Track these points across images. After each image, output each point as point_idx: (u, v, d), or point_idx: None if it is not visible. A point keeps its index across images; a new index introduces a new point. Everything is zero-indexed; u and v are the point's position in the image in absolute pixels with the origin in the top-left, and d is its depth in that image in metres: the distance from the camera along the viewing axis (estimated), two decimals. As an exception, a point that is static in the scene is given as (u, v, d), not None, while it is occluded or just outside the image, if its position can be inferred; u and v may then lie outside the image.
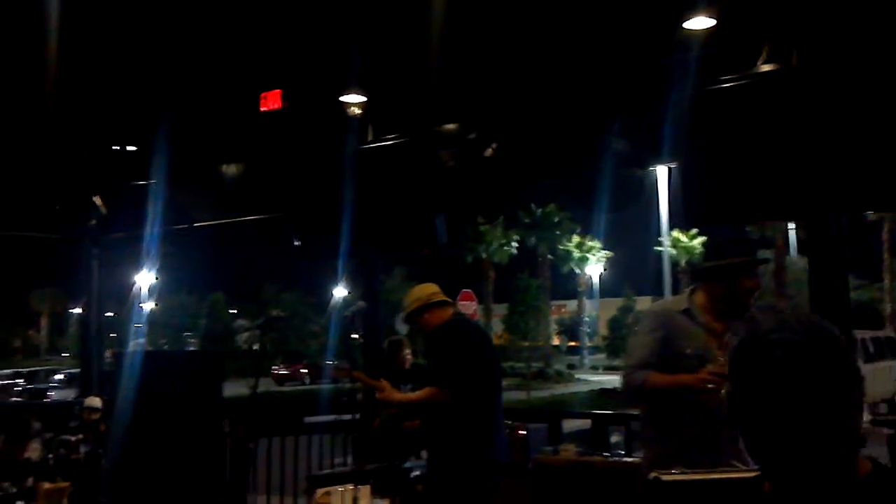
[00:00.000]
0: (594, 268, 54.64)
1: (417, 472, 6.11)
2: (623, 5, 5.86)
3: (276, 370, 49.31)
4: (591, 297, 57.34)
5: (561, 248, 52.09)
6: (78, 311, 67.87)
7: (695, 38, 5.74)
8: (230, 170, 8.87)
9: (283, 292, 63.92)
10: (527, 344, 46.01)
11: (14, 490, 6.66)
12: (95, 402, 9.03)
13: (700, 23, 5.68)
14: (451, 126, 7.54)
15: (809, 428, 1.46)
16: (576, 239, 52.22)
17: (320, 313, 60.90)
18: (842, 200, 5.51)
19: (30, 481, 6.86)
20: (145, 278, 43.81)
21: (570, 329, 63.96)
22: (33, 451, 7.34)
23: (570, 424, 8.08)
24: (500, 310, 50.88)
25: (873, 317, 41.88)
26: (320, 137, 8.09)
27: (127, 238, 10.31)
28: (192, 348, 57.86)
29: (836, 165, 5.35)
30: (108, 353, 12.83)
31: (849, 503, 1.51)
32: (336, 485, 5.24)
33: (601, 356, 59.84)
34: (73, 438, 8.23)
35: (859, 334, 21.14)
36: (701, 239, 44.95)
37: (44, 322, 77.45)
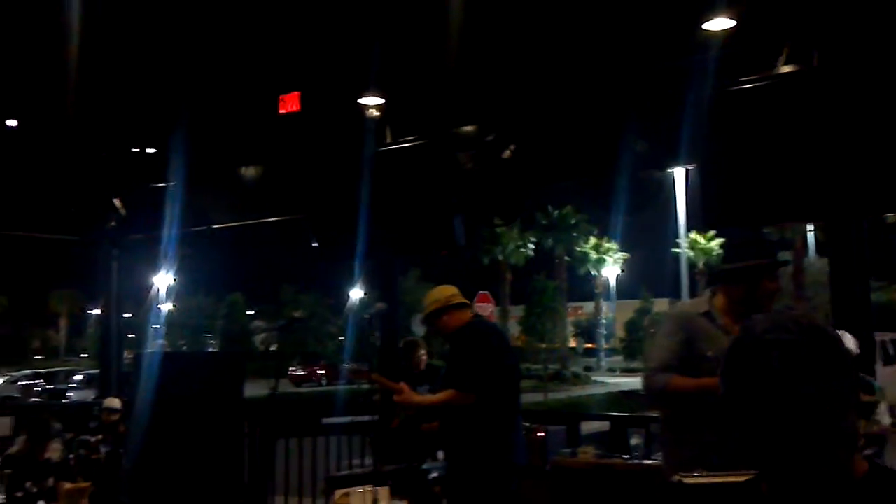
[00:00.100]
0: (611, 269, 54.47)
1: (435, 474, 6.11)
2: (643, 6, 5.85)
3: (292, 371, 49.42)
4: (607, 298, 57.17)
5: (578, 249, 51.97)
6: (96, 312, 68.37)
7: (714, 38, 5.72)
8: (249, 172, 8.90)
9: (300, 294, 64.08)
10: (543, 346, 45.92)
11: (35, 490, 6.70)
12: (115, 402, 9.08)
13: (720, 24, 5.66)
14: (469, 128, 7.54)
15: (807, 428, 1.46)
16: (593, 240, 52.09)
17: (337, 314, 61.04)
18: (863, 202, 5.47)
19: (50, 481, 6.90)
20: (163, 280, 44.01)
21: (587, 331, 63.79)
22: (54, 451, 7.38)
23: (587, 427, 8.05)
24: (517, 311, 50.80)
25: (893, 318, 41.58)
26: (338, 139, 8.11)
27: (146, 240, 10.37)
28: (211, 349, 58.12)
29: (857, 167, 5.31)
30: (127, 355, 12.89)
31: (846, 503, 1.50)
32: (354, 486, 5.25)
33: (618, 358, 59.64)
34: (92, 439, 8.28)
35: (879, 336, 21.00)
36: (719, 241, 44.76)
37: (63, 323, 77.93)
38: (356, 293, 51.85)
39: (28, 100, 8.23)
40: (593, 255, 52.48)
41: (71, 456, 7.87)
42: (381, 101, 7.58)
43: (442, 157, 7.52)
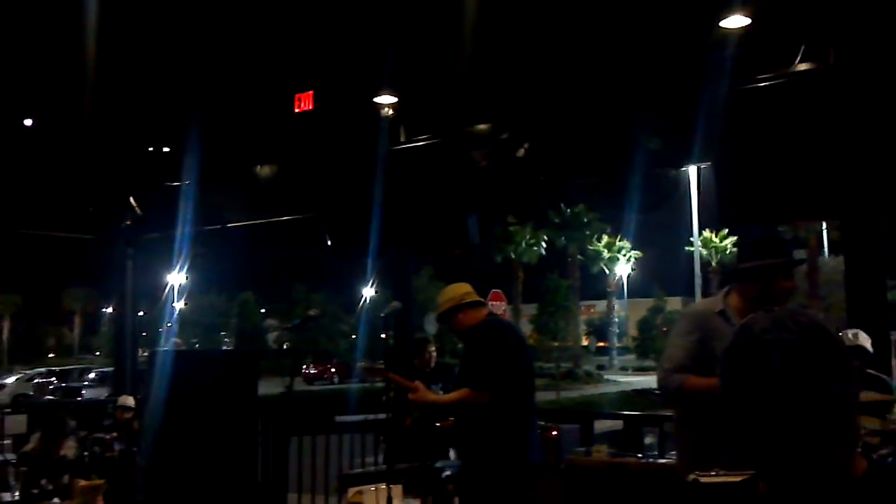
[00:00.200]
0: (623, 268, 54.38)
1: (449, 472, 6.11)
2: (659, 4, 5.83)
3: (305, 369, 49.57)
4: (620, 297, 57.08)
5: (590, 248, 51.89)
6: (110, 310, 68.71)
7: (731, 36, 5.69)
8: (263, 170, 8.93)
9: (312, 292, 64.23)
10: (556, 344, 45.86)
11: (50, 487, 6.74)
12: (129, 400, 9.12)
13: (736, 21, 5.63)
14: (482, 126, 7.54)
15: (808, 428, 1.45)
16: (605, 239, 52.01)
17: (349, 313, 61.15)
18: (879, 200, 5.44)
19: (66, 478, 6.94)
20: (176, 278, 44.20)
21: (600, 329, 63.70)
22: (69, 448, 7.42)
23: (600, 425, 8.03)
24: (529, 310, 50.77)
25: (909, 318, 41.31)
26: (352, 138, 8.12)
27: (159, 238, 10.42)
28: (226, 348, 58.30)
29: (873, 165, 5.28)
30: (142, 352, 12.95)
31: (846, 503, 1.50)
32: (367, 484, 5.25)
33: (630, 357, 59.55)
34: (107, 436, 8.33)
35: (895, 335, 20.87)
36: (732, 239, 44.63)
37: (77, 321, 78.31)
38: (368, 292, 52.02)
39: (44, 99, 8.28)
40: (606, 254, 52.40)
41: (85, 453, 7.92)
42: (395, 99, 7.58)
43: (456, 156, 7.52)
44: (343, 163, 8.28)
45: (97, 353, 70.82)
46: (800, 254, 30.35)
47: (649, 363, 47.52)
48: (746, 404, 1.50)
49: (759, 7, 5.55)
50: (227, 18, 6.72)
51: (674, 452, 5.83)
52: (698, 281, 36.62)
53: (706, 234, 45.35)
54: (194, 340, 63.09)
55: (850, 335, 4.11)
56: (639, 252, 54.42)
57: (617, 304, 56.29)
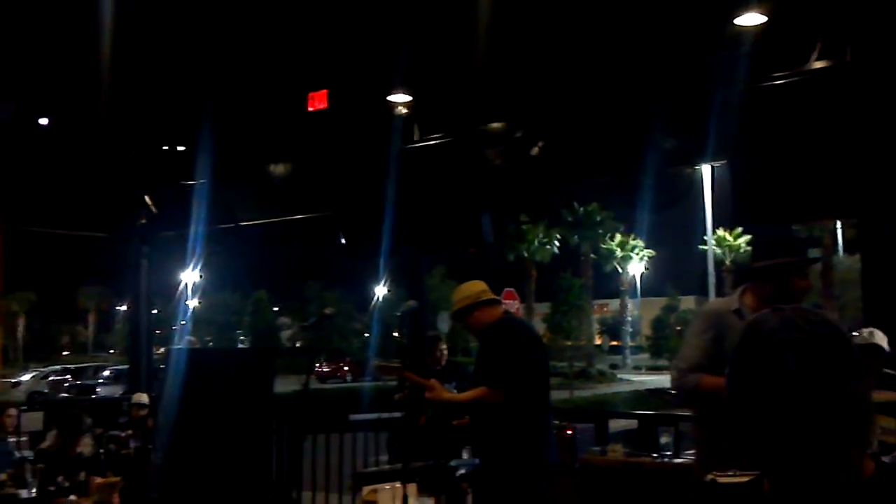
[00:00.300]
0: (636, 267, 54.28)
1: (463, 471, 6.11)
2: (673, 1, 5.81)
3: (318, 367, 49.70)
4: (633, 296, 56.99)
5: (603, 246, 51.83)
6: (124, 308, 69.04)
7: (746, 34, 5.67)
8: (277, 169, 8.95)
9: (325, 290, 64.40)
10: (569, 343, 45.84)
11: (67, 484, 6.78)
12: (143, 398, 9.17)
13: (751, 19, 5.61)
14: (497, 125, 7.53)
15: (820, 430, 1.43)
16: (618, 238, 51.94)
17: (362, 311, 61.28)
18: (896, 199, 5.41)
19: (82, 475, 6.98)
20: (191, 276, 44.34)
21: (612, 328, 63.61)
22: (85, 446, 7.46)
23: (614, 424, 8.02)
24: (542, 309, 50.74)
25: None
26: (366, 137, 8.13)
27: (173, 236, 10.46)
28: (242, 346, 58.51)
29: (891, 164, 5.25)
30: (158, 350, 13.00)
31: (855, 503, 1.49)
32: (382, 482, 5.25)
33: (643, 356, 59.44)
34: (122, 434, 8.37)
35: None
36: (746, 238, 44.48)
37: (91, 319, 78.74)
38: (381, 290, 52.09)
39: (60, 99, 8.32)
40: (619, 253, 52.31)
41: (101, 451, 7.96)
42: (408, 98, 7.58)
43: (470, 155, 7.51)
44: (357, 161, 8.29)
45: (111, 351, 71.18)
46: (814, 252, 30.23)
47: (663, 362, 47.42)
48: (756, 404, 1.49)
49: (775, 4, 5.52)
50: (240, 17, 6.73)
51: (690, 452, 5.82)
52: (712, 280, 36.51)
53: (720, 232, 45.21)
54: (208, 339, 63.35)
55: (865, 334, 4.09)
56: (652, 251, 54.34)
57: (630, 303, 56.21)
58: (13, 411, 8.27)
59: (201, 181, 9.33)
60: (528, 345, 4.99)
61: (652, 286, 60.97)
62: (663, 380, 40.27)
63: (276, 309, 71.30)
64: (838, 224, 38.67)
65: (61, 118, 8.67)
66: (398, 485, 5.13)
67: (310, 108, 7.68)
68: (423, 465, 5.87)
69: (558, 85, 7.03)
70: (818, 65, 5.59)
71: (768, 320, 1.52)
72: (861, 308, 6.71)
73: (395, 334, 55.32)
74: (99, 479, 7.16)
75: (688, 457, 6.02)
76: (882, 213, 5.84)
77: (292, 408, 8.17)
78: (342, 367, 51.33)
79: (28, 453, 7.63)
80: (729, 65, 5.84)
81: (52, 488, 6.69)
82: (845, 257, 42.67)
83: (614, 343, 62.40)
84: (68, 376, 39.84)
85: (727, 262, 46.29)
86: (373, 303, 55.38)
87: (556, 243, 49.55)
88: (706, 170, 27.45)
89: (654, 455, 6.23)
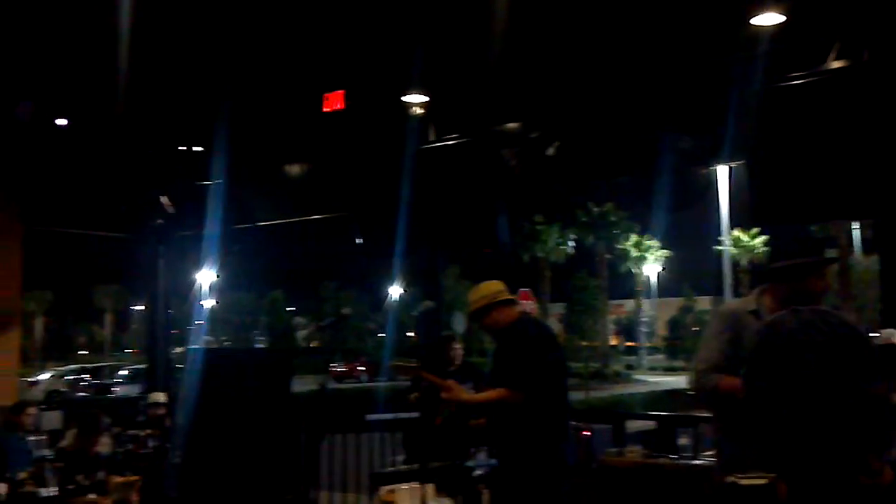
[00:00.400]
0: (652, 267, 54.10)
1: (480, 472, 6.10)
2: (691, 1, 5.80)
3: (333, 367, 49.80)
4: (648, 296, 56.79)
5: (619, 247, 51.69)
6: (140, 308, 69.38)
7: (763, 34, 5.65)
8: (294, 169, 8.98)
9: (340, 290, 64.52)
10: (585, 344, 45.76)
11: (86, 483, 6.81)
12: (160, 397, 9.21)
13: (769, 19, 5.59)
14: (512, 125, 7.53)
15: (840, 432, 1.43)
16: (634, 238, 51.78)
17: (376, 311, 61.36)
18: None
19: (101, 475, 7.01)
20: (206, 276, 44.49)
21: (628, 329, 63.43)
22: (104, 445, 7.50)
23: (631, 425, 7.99)
24: (556, 309, 50.65)
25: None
26: (382, 137, 8.14)
27: (191, 237, 10.51)
28: (260, 346, 58.68)
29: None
30: (176, 350, 13.06)
31: None
32: (399, 483, 5.26)
33: (659, 357, 59.22)
34: (141, 433, 8.41)
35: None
36: (762, 238, 44.27)
37: (108, 318, 79.15)
38: (395, 290, 52.15)
39: (77, 99, 8.38)
40: (634, 253, 52.16)
41: (119, 450, 8.00)
42: (424, 98, 7.59)
43: (486, 155, 7.52)
44: (373, 162, 8.31)
45: (128, 351, 71.54)
46: (831, 253, 30.01)
47: (679, 363, 47.24)
48: (776, 406, 1.48)
49: (792, 4, 5.50)
50: (257, 19, 6.75)
51: (709, 453, 5.80)
52: (728, 280, 36.30)
53: (736, 232, 45.00)
54: (224, 338, 63.58)
55: (885, 335, 4.07)
56: (667, 251, 54.13)
57: (646, 304, 56.02)
58: (33, 410, 8.32)
59: (218, 181, 9.37)
60: (546, 345, 4.98)
61: (668, 286, 60.76)
62: (679, 380, 40.10)
63: (291, 309, 71.47)
64: (855, 224, 38.44)
65: (79, 119, 8.73)
66: (416, 485, 5.14)
67: (326, 109, 7.70)
68: (441, 465, 5.88)
69: (574, 85, 7.02)
70: (836, 65, 5.57)
71: (786, 322, 1.52)
72: (879, 309, 6.66)
73: (411, 334, 55.44)
74: (118, 478, 7.19)
75: (707, 458, 6.00)
76: (901, 214, 5.82)
77: (309, 407, 8.18)
78: (357, 366, 51.42)
79: (47, 452, 7.66)
80: (746, 65, 5.82)
81: (71, 487, 6.72)
82: (862, 257, 42.37)
83: (630, 343, 62.20)
84: (86, 375, 40.01)
85: (743, 263, 46.04)
86: (387, 303, 55.49)
87: (571, 244, 49.46)
88: (722, 170, 27.35)
89: (673, 456, 6.21)
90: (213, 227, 9.55)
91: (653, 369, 53.85)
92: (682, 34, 6.12)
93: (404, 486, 5.17)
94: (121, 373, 40.30)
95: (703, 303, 55.98)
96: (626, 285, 56.04)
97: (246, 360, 8.09)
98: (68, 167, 9.39)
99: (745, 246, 45.76)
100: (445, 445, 6.38)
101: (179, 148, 9.40)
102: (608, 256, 51.72)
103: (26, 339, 65.35)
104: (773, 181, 5.74)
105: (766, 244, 43.38)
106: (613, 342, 60.24)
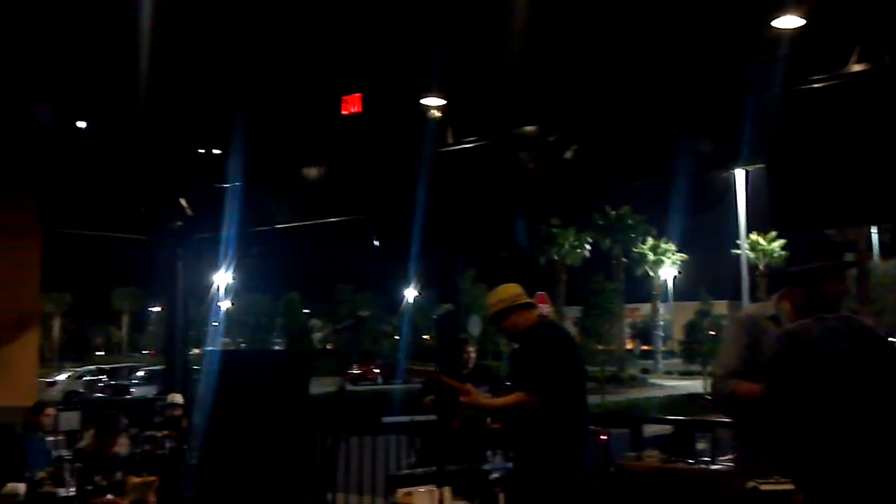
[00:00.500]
0: (668, 271, 53.89)
1: (496, 475, 6.09)
2: (710, 4, 5.77)
3: (349, 369, 49.80)
4: (664, 300, 56.55)
5: (635, 250, 51.52)
6: (157, 309, 69.65)
7: (784, 37, 5.62)
8: (311, 172, 9.00)
9: (355, 293, 64.58)
10: (601, 347, 45.59)
11: (104, 483, 6.85)
12: (178, 398, 9.25)
13: (789, 22, 5.55)
14: (530, 128, 7.52)
15: (868, 443, 1.40)
16: (650, 241, 51.61)
17: (391, 314, 61.36)
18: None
19: (119, 475, 7.05)
20: (223, 278, 44.65)
21: (644, 333, 63.17)
22: (122, 445, 7.54)
23: (647, 429, 7.96)
24: (571, 312, 50.51)
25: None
26: (400, 140, 8.15)
27: (209, 239, 10.55)
28: (278, 348, 58.80)
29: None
30: (195, 351, 13.10)
31: None
32: (415, 485, 5.26)
33: (675, 361, 58.94)
34: (158, 434, 8.45)
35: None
36: (780, 242, 44.04)
37: (125, 320, 79.54)
38: (411, 293, 52.15)
39: (97, 102, 8.43)
40: (651, 256, 51.98)
41: (137, 451, 8.04)
42: (442, 101, 7.59)
43: (503, 158, 7.52)
44: (390, 164, 8.32)
45: (145, 352, 71.86)
46: (850, 257, 29.83)
47: (695, 367, 46.99)
48: (796, 415, 1.46)
49: (813, 7, 5.47)
50: (275, 22, 6.78)
51: (726, 458, 5.77)
52: (745, 284, 36.11)
53: (753, 236, 44.79)
54: (240, 340, 63.75)
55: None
56: (684, 255, 53.93)
57: (662, 307, 55.79)
58: (52, 410, 8.37)
59: (236, 184, 9.41)
60: (565, 349, 4.96)
61: (684, 290, 60.49)
62: (696, 384, 39.90)
63: (306, 311, 71.58)
64: (874, 228, 38.16)
65: (99, 121, 8.78)
66: (432, 488, 5.13)
67: (344, 112, 7.72)
68: (457, 468, 5.87)
69: (592, 88, 7.01)
70: (856, 68, 5.53)
71: (811, 330, 1.50)
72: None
73: (426, 337, 55.38)
74: (136, 479, 7.23)
75: (725, 463, 5.98)
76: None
77: (327, 410, 8.20)
78: (372, 369, 51.43)
79: (65, 452, 7.71)
80: (766, 68, 5.79)
81: (89, 487, 6.76)
82: (881, 261, 42.07)
83: (646, 347, 61.94)
84: (103, 376, 40.23)
85: (761, 267, 45.83)
86: (402, 305, 55.49)
87: (588, 247, 49.36)
88: (739, 173, 27.23)
89: (691, 461, 6.18)
90: (230, 229, 9.59)
91: (668, 373, 53.59)
92: (701, 37, 6.09)
93: (421, 488, 5.16)
94: (138, 374, 40.50)
95: (720, 307, 55.67)
96: (642, 289, 55.85)
97: (265, 361, 8.10)
98: (88, 169, 9.45)
99: (762, 250, 45.56)
100: (462, 449, 6.37)
101: (198, 151, 9.44)
102: (625, 260, 51.57)
103: (44, 339, 65.80)
104: (792, 185, 5.71)
105: (783, 248, 43.21)
106: (629, 346, 60.02)
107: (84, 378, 39.99)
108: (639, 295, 58.41)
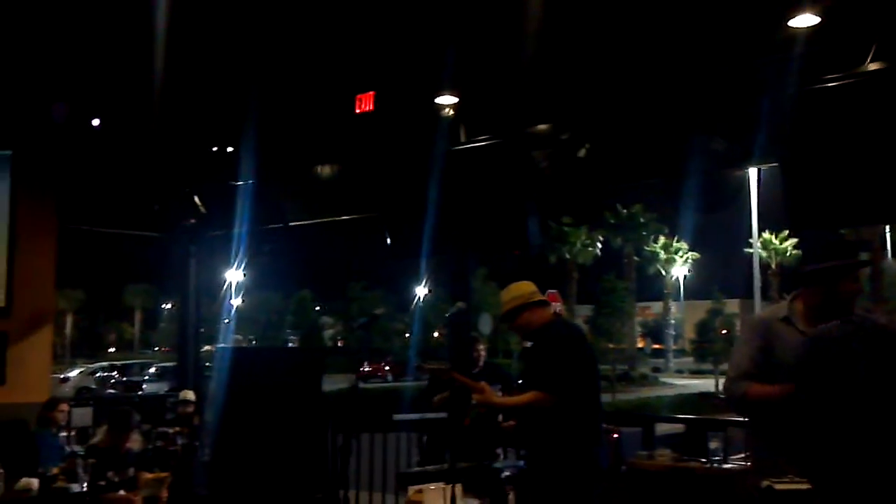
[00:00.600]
0: (680, 269, 53.76)
1: (507, 473, 6.09)
2: (725, 2, 5.75)
3: (360, 367, 49.84)
4: (676, 299, 56.41)
5: (647, 249, 51.41)
6: (168, 306, 69.93)
7: (799, 35, 5.59)
8: (324, 170, 9.02)
9: (366, 291, 64.69)
10: (611, 346, 45.51)
11: (117, 479, 6.89)
12: (190, 395, 9.30)
13: (805, 20, 5.53)
14: (543, 126, 7.51)
15: (890, 440, 1.40)
16: (662, 240, 51.49)
17: (402, 312, 61.45)
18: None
19: (131, 471, 7.09)
20: (234, 275, 44.79)
21: (655, 331, 63.03)
22: (134, 442, 7.58)
23: (659, 428, 7.94)
24: (582, 311, 50.44)
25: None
26: (413, 138, 8.16)
27: (222, 236, 10.59)
28: (291, 345, 58.96)
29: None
30: (207, 349, 13.15)
31: None
32: (426, 483, 5.26)
33: (686, 360, 58.79)
34: (170, 431, 8.49)
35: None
36: (792, 241, 43.87)
37: (137, 317, 79.84)
38: (422, 291, 52.22)
39: (111, 100, 8.47)
40: (662, 255, 51.86)
41: (149, 447, 8.08)
42: (455, 100, 7.59)
43: (516, 157, 7.51)
44: (403, 163, 8.32)
45: (156, 349, 72.12)
46: (863, 256, 29.70)
47: (707, 366, 46.88)
48: (821, 419, 1.46)
49: (829, 5, 5.44)
50: (289, 20, 6.79)
51: (738, 457, 5.76)
52: (757, 283, 36.01)
53: (766, 235, 44.65)
54: (251, 337, 63.93)
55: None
56: (696, 253, 53.78)
57: (673, 306, 55.66)
58: (65, 406, 8.41)
59: (249, 182, 9.43)
60: (578, 348, 4.95)
61: (696, 289, 60.29)
62: (707, 383, 39.80)
63: (317, 308, 71.72)
64: (887, 227, 38.00)
65: (113, 119, 8.82)
66: (443, 485, 5.13)
67: (357, 110, 7.73)
68: (468, 466, 5.87)
69: (606, 87, 6.99)
70: (872, 67, 5.50)
71: (838, 328, 1.50)
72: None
73: (436, 334, 55.38)
74: (148, 475, 7.27)
75: (737, 462, 5.96)
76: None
77: (339, 407, 8.20)
78: (383, 366, 51.50)
79: (78, 448, 7.75)
80: (780, 67, 5.76)
81: (102, 483, 6.80)
82: (894, 261, 41.89)
83: (657, 346, 61.80)
84: (115, 373, 40.40)
85: (773, 266, 45.67)
86: (413, 303, 55.57)
87: (599, 245, 49.28)
88: (752, 172, 27.13)
89: (703, 460, 6.17)
90: (242, 226, 9.61)
91: (679, 372, 53.48)
92: (715, 36, 6.07)
93: (432, 486, 5.17)
94: (149, 370, 40.67)
95: (732, 305, 55.49)
96: (653, 287, 55.75)
97: (278, 358, 8.12)
98: (102, 167, 9.49)
99: (774, 249, 45.41)
100: (473, 446, 6.37)
101: (212, 149, 9.47)
102: (636, 258, 51.47)
103: (56, 336, 66.02)
104: (807, 185, 5.68)
105: (795, 247, 43.06)
106: (640, 344, 59.90)
107: (96, 374, 40.17)
108: (650, 293, 58.31)
